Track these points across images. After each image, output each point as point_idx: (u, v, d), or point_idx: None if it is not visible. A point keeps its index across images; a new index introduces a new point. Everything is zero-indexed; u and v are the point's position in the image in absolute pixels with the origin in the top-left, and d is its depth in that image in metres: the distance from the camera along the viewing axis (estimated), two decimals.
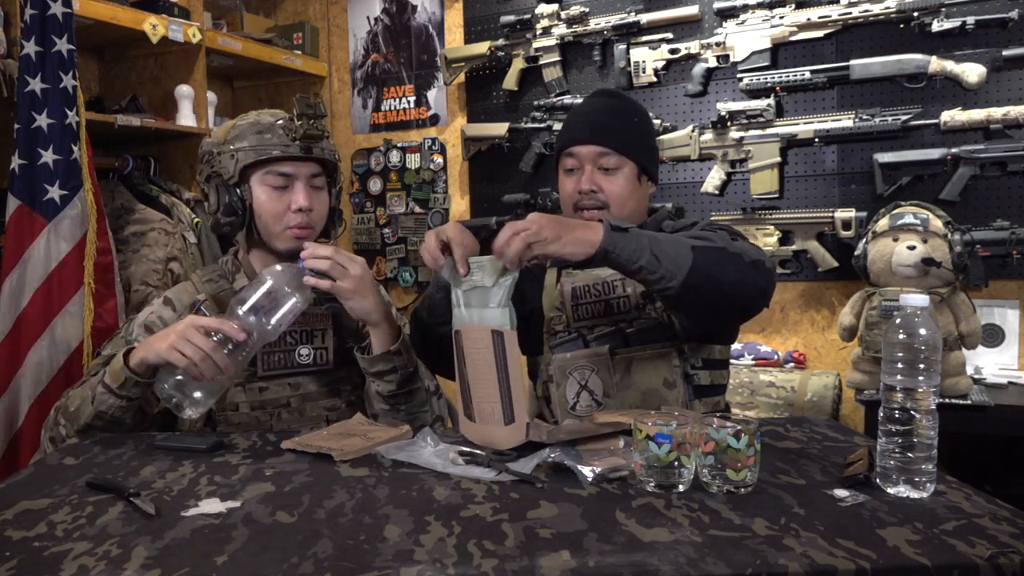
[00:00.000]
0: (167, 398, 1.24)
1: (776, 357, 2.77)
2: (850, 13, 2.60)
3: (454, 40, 3.36)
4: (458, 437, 1.26)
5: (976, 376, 2.42)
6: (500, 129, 3.16)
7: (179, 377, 1.23)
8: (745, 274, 1.22)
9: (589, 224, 1.18)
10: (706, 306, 1.26)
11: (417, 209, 3.45)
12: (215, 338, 1.22)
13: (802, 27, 2.68)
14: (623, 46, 2.94)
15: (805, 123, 2.69)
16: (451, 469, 1.07)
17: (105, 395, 1.30)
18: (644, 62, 2.92)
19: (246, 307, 1.25)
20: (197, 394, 1.24)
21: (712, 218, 2.82)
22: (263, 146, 1.41)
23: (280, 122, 1.43)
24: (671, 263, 1.17)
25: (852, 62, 2.61)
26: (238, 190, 1.43)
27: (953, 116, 2.48)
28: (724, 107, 2.77)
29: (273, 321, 1.26)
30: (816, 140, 2.67)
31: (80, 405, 1.34)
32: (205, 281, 1.49)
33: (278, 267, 1.30)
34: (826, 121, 2.66)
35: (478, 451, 1.12)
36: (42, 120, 2.06)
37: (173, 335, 1.23)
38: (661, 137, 2.88)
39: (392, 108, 3.51)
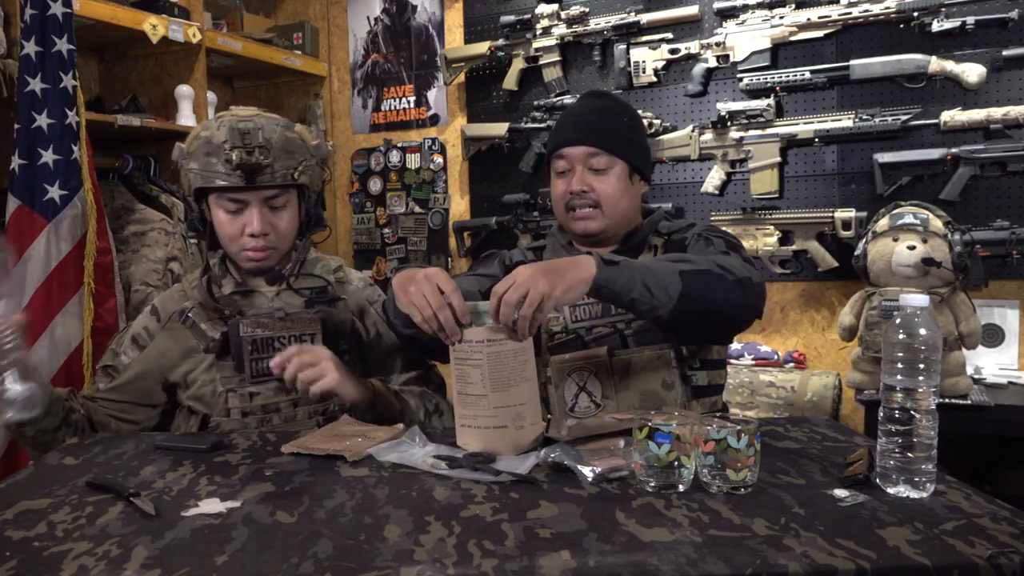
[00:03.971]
0: None
1: (776, 357, 2.77)
2: (850, 13, 2.60)
3: (454, 40, 3.35)
4: (452, 439, 1.25)
5: (976, 376, 2.42)
6: (500, 129, 3.16)
7: None
8: (731, 294, 1.24)
9: (578, 261, 1.17)
10: (695, 327, 1.29)
11: (417, 209, 3.45)
12: None
13: (802, 27, 2.68)
14: (623, 46, 2.94)
15: (805, 123, 2.68)
16: (441, 471, 1.07)
17: None
18: (644, 62, 2.92)
19: None
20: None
21: (712, 218, 2.82)
22: (208, 172, 1.37)
23: (226, 143, 1.35)
24: (662, 292, 1.19)
25: (852, 62, 2.61)
26: (199, 206, 1.43)
27: (953, 116, 2.48)
28: (724, 107, 2.76)
29: None
30: (816, 140, 2.67)
31: None
32: (194, 287, 1.49)
33: None
34: (826, 121, 2.66)
35: (455, 455, 1.11)
36: (42, 120, 2.06)
37: None
38: (661, 137, 2.88)
39: (392, 108, 3.51)
